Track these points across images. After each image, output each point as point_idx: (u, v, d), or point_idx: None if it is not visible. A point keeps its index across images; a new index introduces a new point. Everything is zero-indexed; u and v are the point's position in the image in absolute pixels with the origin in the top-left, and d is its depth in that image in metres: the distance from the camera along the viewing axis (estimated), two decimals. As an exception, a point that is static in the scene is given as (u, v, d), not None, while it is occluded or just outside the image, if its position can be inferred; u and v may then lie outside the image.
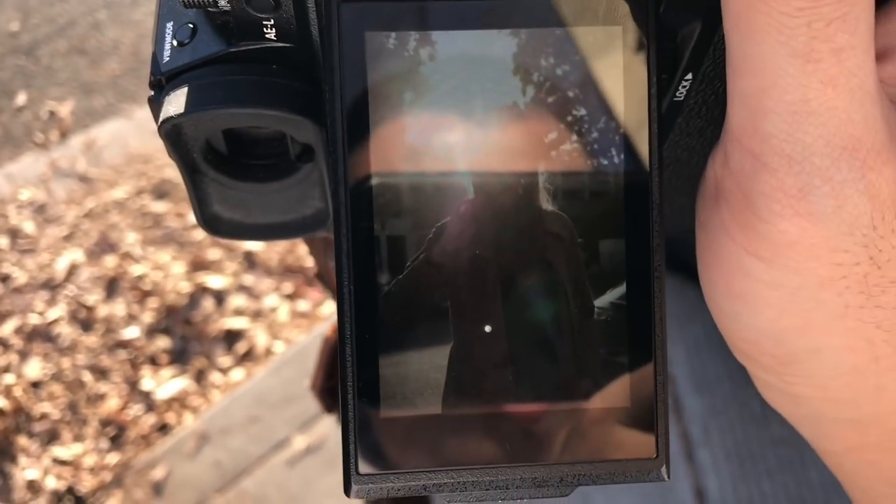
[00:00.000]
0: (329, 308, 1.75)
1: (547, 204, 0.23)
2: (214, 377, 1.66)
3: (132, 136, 2.09)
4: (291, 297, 1.78)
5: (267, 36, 0.24)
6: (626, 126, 0.23)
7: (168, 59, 0.25)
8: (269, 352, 1.69)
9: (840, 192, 0.20)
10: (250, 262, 1.84)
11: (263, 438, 1.54)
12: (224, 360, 1.68)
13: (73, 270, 1.83)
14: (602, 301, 0.24)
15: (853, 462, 0.26)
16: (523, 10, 0.22)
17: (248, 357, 1.69)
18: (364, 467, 0.23)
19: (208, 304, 1.76)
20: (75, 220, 1.92)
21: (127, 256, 1.84)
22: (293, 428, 1.55)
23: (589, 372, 0.24)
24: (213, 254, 1.85)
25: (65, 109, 2.17)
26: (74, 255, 1.85)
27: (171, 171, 1.99)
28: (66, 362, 1.69)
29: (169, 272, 1.81)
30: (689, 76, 0.25)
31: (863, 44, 0.19)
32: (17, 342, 1.72)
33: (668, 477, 0.24)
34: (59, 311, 1.76)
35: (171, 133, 0.25)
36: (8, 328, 1.74)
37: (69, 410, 1.63)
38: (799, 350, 0.23)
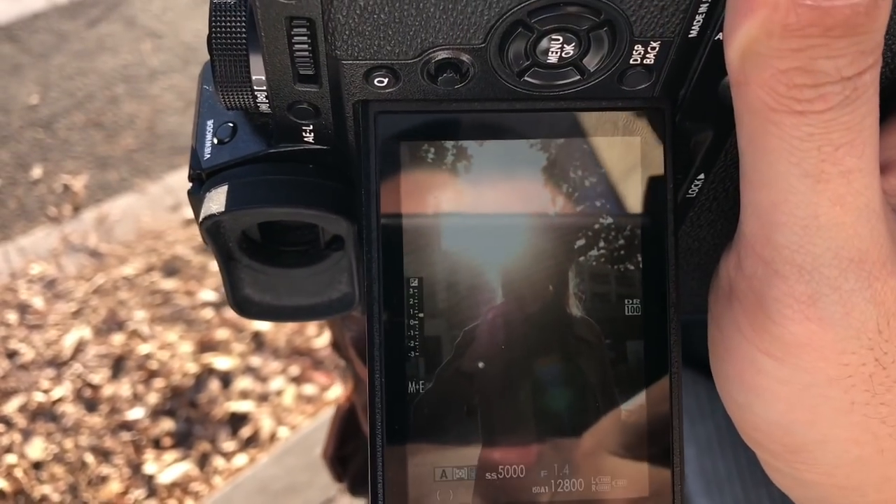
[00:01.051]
0: (335, 393, 1.74)
1: (576, 309, 0.25)
2: (217, 462, 1.64)
3: (144, 212, 2.11)
4: (298, 380, 1.77)
5: (305, 139, 0.26)
6: (645, 232, 0.25)
7: (209, 156, 0.26)
8: (273, 437, 1.68)
9: (848, 300, 0.22)
10: (258, 342, 1.84)
11: (265, 529, 1.52)
12: (228, 444, 1.67)
13: (80, 348, 1.83)
14: (626, 402, 0.25)
15: None
16: (551, 122, 0.24)
17: (252, 442, 1.67)
18: None
19: (214, 385, 1.75)
20: (84, 296, 1.92)
21: (134, 335, 1.84)
22: (296, 519, 1.53)
23: (611, 469, 0.25)
24: (221, 334, 1.84)
25: (79, 183, 2.19)
26: (82, 331, 1.85)
27: (182, 248, 2.01)
28: (68, 443, 1.67)
29: (176, 352, 1.81)
30: (702, 176, 0.27)
31: (869, 166, 0.21)
32: (20, 421, 1.71)
33: None
34: (64, 389, 1.75)
35: (212, 228, 0.26)
36: (12, 406, 1.73)
37: (70, 493, 1.61)
38: (807, 441, 0.24)
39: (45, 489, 1.61)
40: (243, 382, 1.76)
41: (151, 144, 2.30)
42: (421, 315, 0.24)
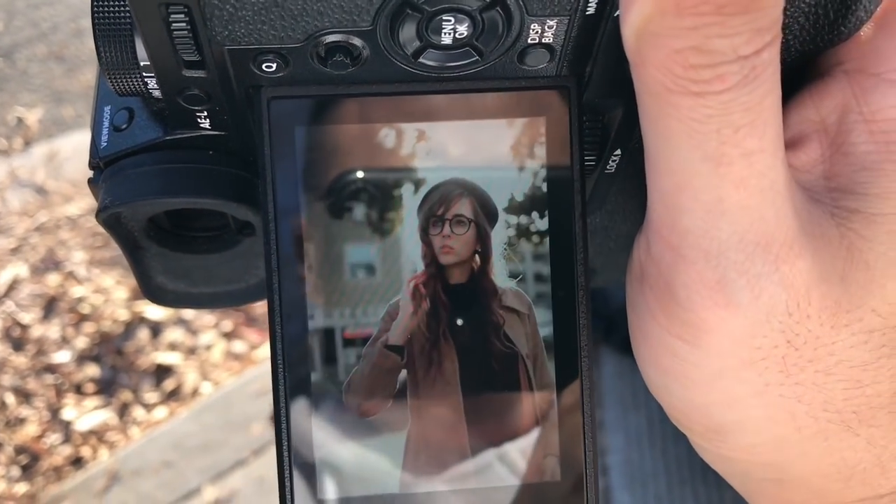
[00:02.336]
0: (264, 352, 1.71)
1: (502, 280, 0.25)
2: (137, 413, 1.62)
3: (96, 151, 2.07)
4: (229, 335, 1.74)
5: (201, 125, 0.25)
6: (553, 207, 0.25)
7: (105, 143, 0.26)
8: (196, 392, 1.65)
9: (756, 285, 0.22)
10: (194, 294, 1.81)
11: (174, 486, 1.50)
12: (150, 395, 1.65)
13: (14, 285, 1.80)
14: (540, 382, 0.25)
15: None
16: (451, 105, 0.24)
17: (174, 395, 1.65)
18: None
19: (144, 335, 1.72)
20: (25, 233, 1.89)
21: (70, 276, 1.82)
22: (205, 478, 1.51)
23: (528, 448, 0.25)
24: (158, 282, 1.81)
25: (33, 117, 2.15)
26: (18, 269, 1.82)
27: (129, 192, 1.97)
28: (-9, 381, 1.66)
29: (110, 297, 1.78)
30: (618, 152, 0.27)
31: (772, 146, 0.21)
32: (-55, 355, 1.69)
33: None
34: (-7, 326, 1.73)
35: (110, 219, 0.26)
36: (-61, 339, 1.71)
37: (-14, 433, 1.60)
38: (726, 422, 0.25)
39: (-38, 426, 1.59)
40: (173, 334, 1.73)
41: (111, 82, 2.25)
42: (333, 298, 0.24)
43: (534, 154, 0.25)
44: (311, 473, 0.24)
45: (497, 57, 0.23)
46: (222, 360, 1.70)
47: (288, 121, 0.24)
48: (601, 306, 1.56)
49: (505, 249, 0.25)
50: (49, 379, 1.66)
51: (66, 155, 2.06)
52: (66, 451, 1.57)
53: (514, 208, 0.25)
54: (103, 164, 0.26)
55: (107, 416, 1.61)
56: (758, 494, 0.28)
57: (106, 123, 0.26)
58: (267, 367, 1.67)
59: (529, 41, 0.23)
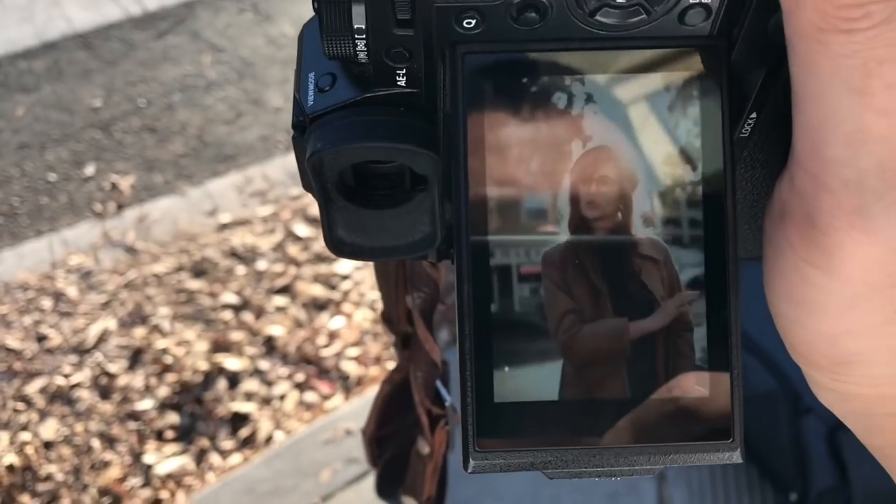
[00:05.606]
0: (334, 402, 1.77)
1: (642, 229, 0.27)
2: (213, 458, 1.69)
3: (182, 215, 2.20)
4: (301, 386, 1.80)
5: (398, 83, 0.29)
6: (705, 157, 0.27)
7: (312, 102, 0.30)
8: (269, 440, 1.71)
9: (892, 211, 0.23)
10: (269, 346, 1.88)
11: (246, 528, 1.55)
12: (226, 443, 1.71)
13: (103, 337, 1.91)
14: (692, 310, 0.27)
15: None
16: (619, 59, 0.27)
17: (248, 442, 1.71)
18: (481, 444, 0.27)
19: (221, 385, 1.80)
20: (115, 289, 2.01)
21: (155, 330, 1.92)
22: (276, 521, 1.55)
23: (676, 369, 0.27)
24: (236, 336, 1.90)
25: (126, 183, 2.31)
26: (107, 322, 1.94)
27: (212, 251, 2.08)
28: (79, 426, 1.75)
29: (191, 349, 1.87)
30: (754, 115, 0.29)
31: None
32: (39, 401, 1.80)
33: (743, 458, 0.27)
34: (83, 375, 1.84)
35: (316, 163, 0.29)
36: (34, 387, 1.82)
37: (73, 474, 1.68)
38: (851, 352, 0.26)
39: (52, 468, 1.68)
40: (249, 384, 1.80)
41: (198, 151, 2.40)
42: (503, 232, 0.27)
43: (686, 111, 0.27)
44: (489, 379, 0.27)
45: (661, 15, 0.26)
46: (294, 410, 1.76)
47: (480, 73, 0.27)
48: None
49: (650, 200, 0.27)
50: (132, 425, 1.74)
51: (154, 217, 2.19)
52: (146, 493, 1.63)
53: (665, 162, 0.27)
54: (309, 121, 0.30)
55: (185, 461, 1.68)
56: (878, 431, 0.29)
57: (311, 86, 0.30)
58: (336, 416, 1.72)
59: (691, 1, 0.25)
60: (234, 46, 2.75)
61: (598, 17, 0.26)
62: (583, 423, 0.27)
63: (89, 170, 2.36)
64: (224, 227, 2.16)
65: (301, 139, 0.30)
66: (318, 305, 1.97)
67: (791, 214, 0.25)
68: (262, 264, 2.06)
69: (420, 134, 0.29)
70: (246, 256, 2.08)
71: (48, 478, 1.67)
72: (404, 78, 0.28)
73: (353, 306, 1.96)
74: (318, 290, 1.99)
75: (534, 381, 0.27)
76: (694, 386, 0.27)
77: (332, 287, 2.00)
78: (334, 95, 0.29)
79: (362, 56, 0.27)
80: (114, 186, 2.31)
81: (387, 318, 0.67)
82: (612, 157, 0.27)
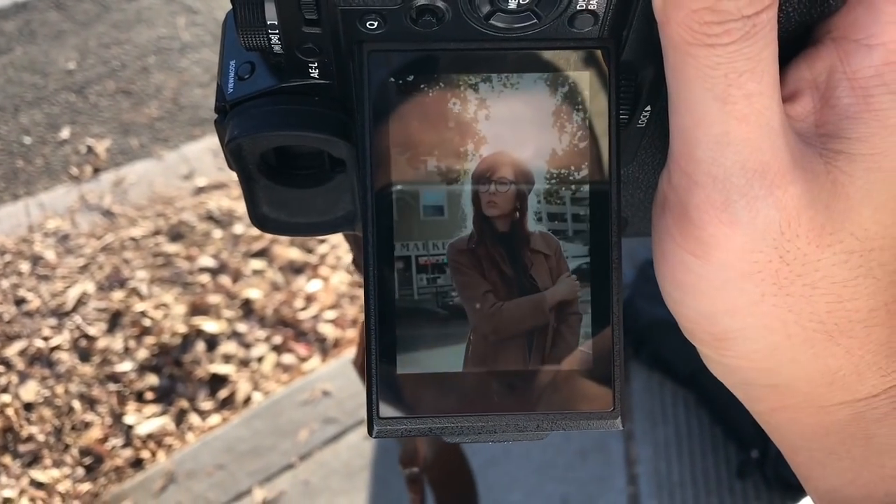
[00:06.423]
0: (311, 364, 1.80)
1: (535, 225, 0.29)
2: (193, 419, 1.72)
3: (158, 178, 2.21)
4: (279, 349, 1.83)
5: (311, 75, 0.30)
6: (592, 154, 0.29)
7: (232, 90, 0.31)
8: (247, 401, 1.74)
9: (753, 206, 0.26)
10: (247, 309, 1.91)
11: (225, 487, 1.59)
12: (205, 403, 1.74)
13: (82, 300, 1.93)
14: (580, 296, 0.30)
15: (777, 420, 0.32)
16: (513, 60, 0.29)
17: (227, 403, 1.75)
18: (384, 412, 0.29)
19: (200, 347, 1.83)
20: (92, 252, 2.02)
21: (133, 293, 1.94)
22: (255, 481, 1.59)
23: (566, 345, 0.30)
24: (214, 299, 1.92)
25: (102, 147, 2.30)
26: (86, 286, 1.95)
27: (189, 215, 2.09)
28: (59, 388, 1.77)
29: (169, 312, 1.89)
30: (648, 108, 0.31)
31: (769, 90, 0.25)
32: (19, 363, 1.82)
33: (623, 426, 0.30)
34: (62, 338, 1.85)
35: (235, 149, 0.31)
36: (13, 349, 1.84)
37: (54, 435, 1.70)
38: (729, 329, 0.29)
39: (33, 429, 1.71)
40: (228, 347, 1.83)
41: (174, 115, 2.39)
42: (406, 218, 0.29)
43: (577, 109, 0.29)
44: (392, 353, 0.29)
45: (551, 20, 0.28)
46: (272, 372, 1.79)
47: (384, 69, 0.28)
48: (630, 323, 1.60)
49: (542, 198, 0.29)
50: (112, 387, 1.77)
51: (131, 181, 2.20)
52: (127, 453, 1.67)
53: (556, 157, 0.29)
54: (229, 107, 0.31)
55: (165, 421, 1.71)
56: (757, 400, 0.32)
57: (232, 74, 0.31)
58: (313, 377, 1.76)
59: (578, 8, 0.27)
60: (209, 8, 2.73)
61: (492, 21, 0.28)
62: (480, 393, 0.29)
63: (65, 133, 2.35)
64: (200, 190, 2.17)
65: (223, 122, 0.32)
66: (295, 269, 1.99)
67: (670, 207, 0.28)
68: (238, 228, 2.07)
69: (333, 123, 0.31)
70: (222, 220, 2.09)
71: (29, 438, 1.70)
72: (317, 70, 0.30)
73: (329, 269, 1.99)
74: (295, 254, 2.02)
75: (438, 356, 0.29)
76: (580, 360, 0.29)
77: (309, 251, 2.03)
78: (252, 84, 0.31)
79: (277, 48, 0.29)
80: (90, 150, 2.30)
81: (356, 262, 0.70)
82: (510, 161, 0.29)
